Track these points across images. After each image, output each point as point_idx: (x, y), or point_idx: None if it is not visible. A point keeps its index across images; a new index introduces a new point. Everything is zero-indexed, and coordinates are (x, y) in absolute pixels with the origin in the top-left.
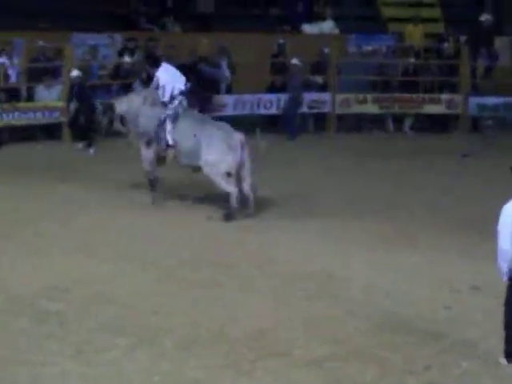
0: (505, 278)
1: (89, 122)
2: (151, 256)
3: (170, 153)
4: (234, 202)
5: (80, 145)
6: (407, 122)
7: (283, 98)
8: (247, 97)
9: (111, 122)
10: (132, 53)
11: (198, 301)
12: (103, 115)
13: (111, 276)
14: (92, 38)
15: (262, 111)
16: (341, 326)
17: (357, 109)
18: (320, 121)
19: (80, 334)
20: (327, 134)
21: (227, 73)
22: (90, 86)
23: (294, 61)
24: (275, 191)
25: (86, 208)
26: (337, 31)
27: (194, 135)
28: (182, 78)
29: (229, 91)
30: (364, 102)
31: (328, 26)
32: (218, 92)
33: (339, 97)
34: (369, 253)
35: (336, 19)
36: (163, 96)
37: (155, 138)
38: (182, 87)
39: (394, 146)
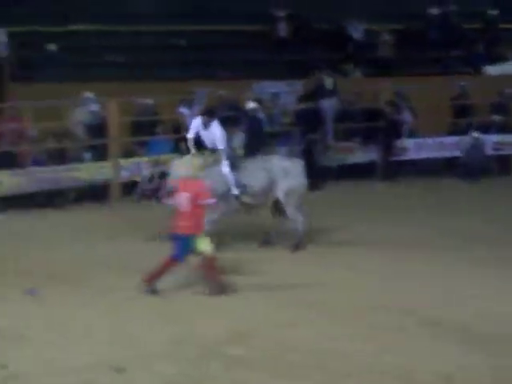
0: None
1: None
2: (333, 302)
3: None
4: (302, 230)
5: None
6: None
7: (465, 140)
8: (428, 140)
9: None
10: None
11: (384, 346)
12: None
13: (294, 323)
14: (272, 86)
15: (444, 154)
16: None
17: None
18: (504, 163)
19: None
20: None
21: (408, 117)
22: (272, 134)
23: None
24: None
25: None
26: None
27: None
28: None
29: (411, 135)
30: None
31: (510, 68)
32: (400, 136)
33: None
34: None
35: None
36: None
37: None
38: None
39: None
